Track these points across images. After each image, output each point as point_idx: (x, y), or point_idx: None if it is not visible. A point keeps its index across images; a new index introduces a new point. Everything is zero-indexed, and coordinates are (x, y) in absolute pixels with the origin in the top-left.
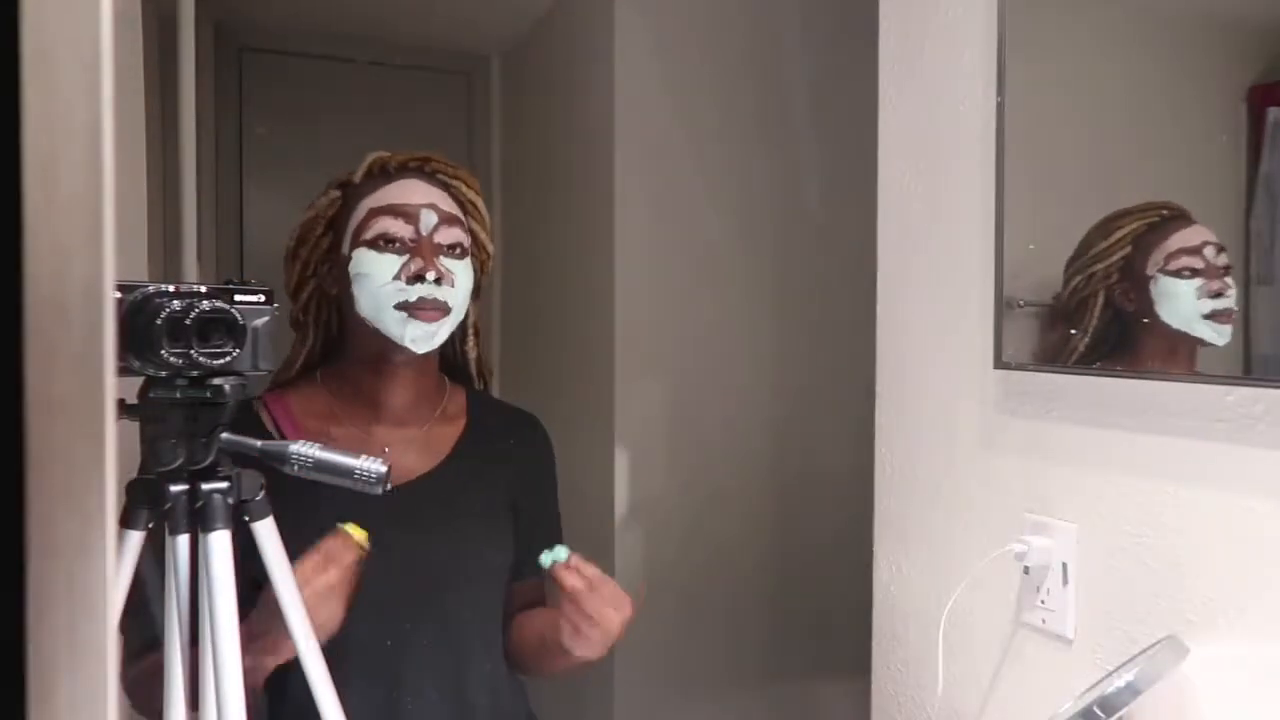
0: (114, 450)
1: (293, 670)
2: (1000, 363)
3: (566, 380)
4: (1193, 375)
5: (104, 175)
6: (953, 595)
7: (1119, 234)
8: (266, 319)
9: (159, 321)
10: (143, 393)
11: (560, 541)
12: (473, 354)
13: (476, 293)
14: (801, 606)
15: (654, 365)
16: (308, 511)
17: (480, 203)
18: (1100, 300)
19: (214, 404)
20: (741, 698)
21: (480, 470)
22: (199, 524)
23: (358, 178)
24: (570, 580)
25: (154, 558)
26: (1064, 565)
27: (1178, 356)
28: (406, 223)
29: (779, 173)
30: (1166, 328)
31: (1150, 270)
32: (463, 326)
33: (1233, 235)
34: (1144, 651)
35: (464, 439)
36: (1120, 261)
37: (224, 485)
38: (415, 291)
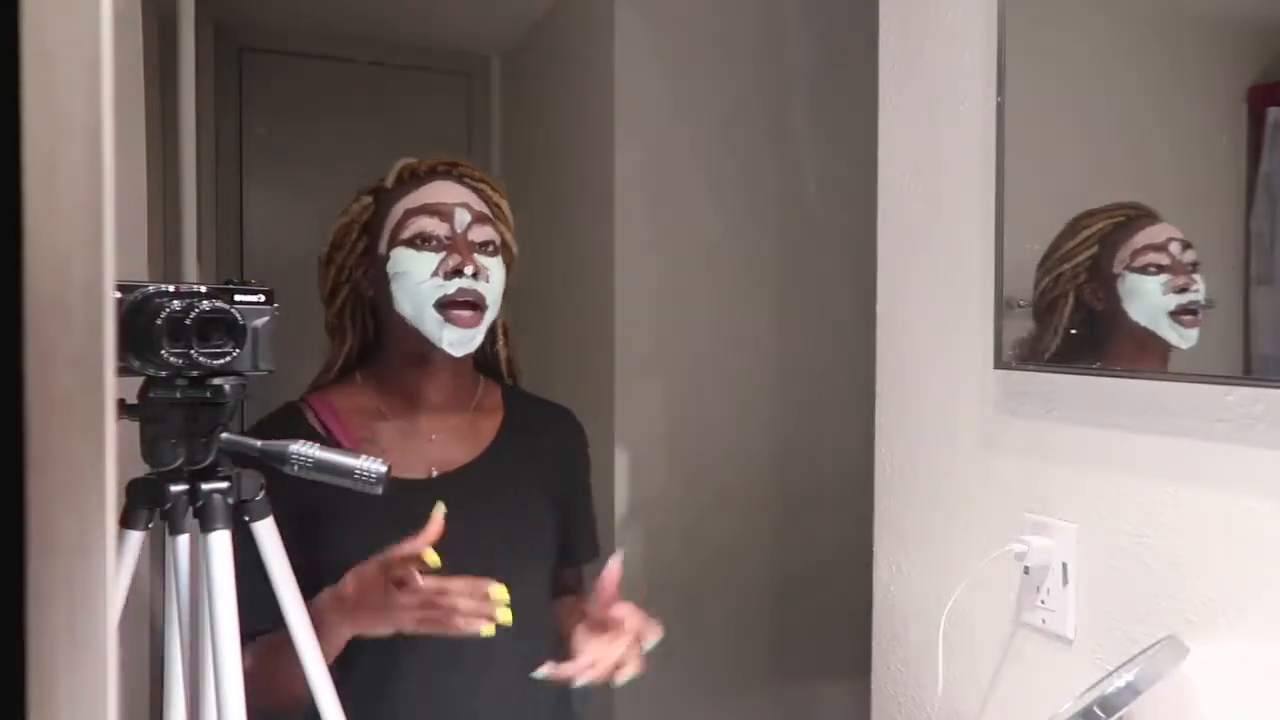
0: (114, 450)
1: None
2: (1000, 363)
3: (566, 380)
4: (1193, 375)
5: (104, 175)
6: (953, 595)
7: (1085, 233)
8: (266, 319)
9: (159, 321)
10: (143, 393)
11: (594, 526)
12: (503, 354)
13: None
14: (801, 606)
15: (654, 365)
16: (359, 504)
17: (505, 205)
18: (1070, 300)
19: (214, 404)
20: (742, 697)
21: (521, 459)
22: (200, 524)
23: (389, 182)
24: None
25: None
26: (1064, 565)
27: (1148, 355)
28: (442, 220)
29: (779, 173)
30: (1135, 326)
31: (1117, 268)
32: (492, 329)
33: (1233, 235)
34: (1144, 651)
35: (503, 430)
36: (1088, 261)
37: (224, 485)
38: (454, 284)
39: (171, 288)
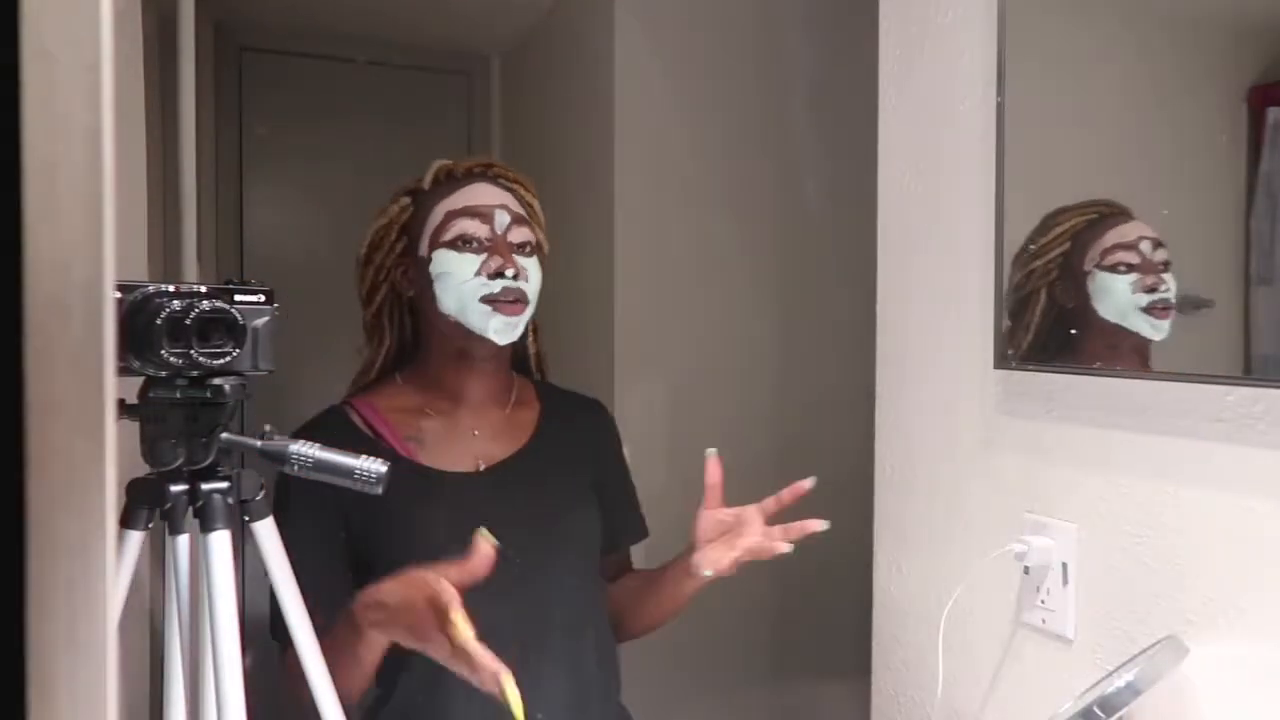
0: (114, 450)
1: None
2: (1000, 363)
3: (566, 379)
4: (1193, 375)
5: (104, 176)
6: (953, 595)
7: (1057, 231)
8: (266, 319)
9: (159, 321)
10: (143, 393)
11: (639, 508)
12: (533, 349)
13: None
14: (801, 606)
15: (654, 364)
16: (414, 498)
17: (538, 206)
18: (1042, 297)
19: (214, 404)
20: (742, 697)
21: (562, 450)
22: (200, 524)
23: (426, 184)
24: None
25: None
26: (1064, 565)
27: (1120, 352)
28: (482, 223)
29: (779, 172)
30: (1105, 323)
31: (1087, 266)
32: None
33: (1233, 235)
34: (1144, 651)
35: (542, 422)
36: (1059, 258)
37: (224, 485)
38: (498, 284)
39: (171, 288)
